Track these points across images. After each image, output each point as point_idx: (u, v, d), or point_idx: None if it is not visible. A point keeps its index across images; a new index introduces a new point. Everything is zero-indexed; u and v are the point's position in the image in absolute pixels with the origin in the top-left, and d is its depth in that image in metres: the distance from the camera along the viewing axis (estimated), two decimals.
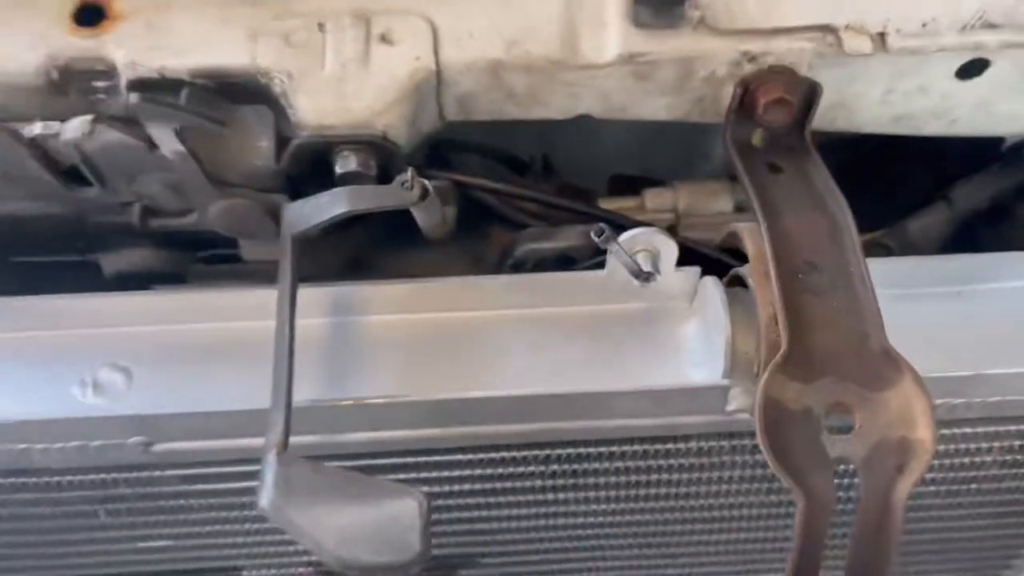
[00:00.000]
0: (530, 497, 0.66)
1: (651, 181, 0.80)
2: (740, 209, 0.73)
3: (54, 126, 0.55)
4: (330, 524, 0.46)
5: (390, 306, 0.63)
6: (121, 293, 0.65)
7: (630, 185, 0.81)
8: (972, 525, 0.73)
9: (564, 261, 0.69)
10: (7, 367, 0.62)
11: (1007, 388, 0.60)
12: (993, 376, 0.59)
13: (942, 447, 0.65)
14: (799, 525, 0.52)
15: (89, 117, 0.54)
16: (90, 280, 0.70)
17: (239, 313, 0.63)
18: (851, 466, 0.52)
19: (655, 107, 0.65)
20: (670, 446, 0.64)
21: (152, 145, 0.55)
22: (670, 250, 0.61)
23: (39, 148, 0.56)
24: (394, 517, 0.46)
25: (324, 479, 0.49)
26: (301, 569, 0.73)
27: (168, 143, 0.54)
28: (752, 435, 0.61)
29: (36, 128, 0.55)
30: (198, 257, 0.70)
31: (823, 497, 0.51)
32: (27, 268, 0.69)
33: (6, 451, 0.59)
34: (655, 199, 0.74)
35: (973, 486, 0.68)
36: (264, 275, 0.66)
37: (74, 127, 0.54)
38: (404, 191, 0.56)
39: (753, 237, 0.57)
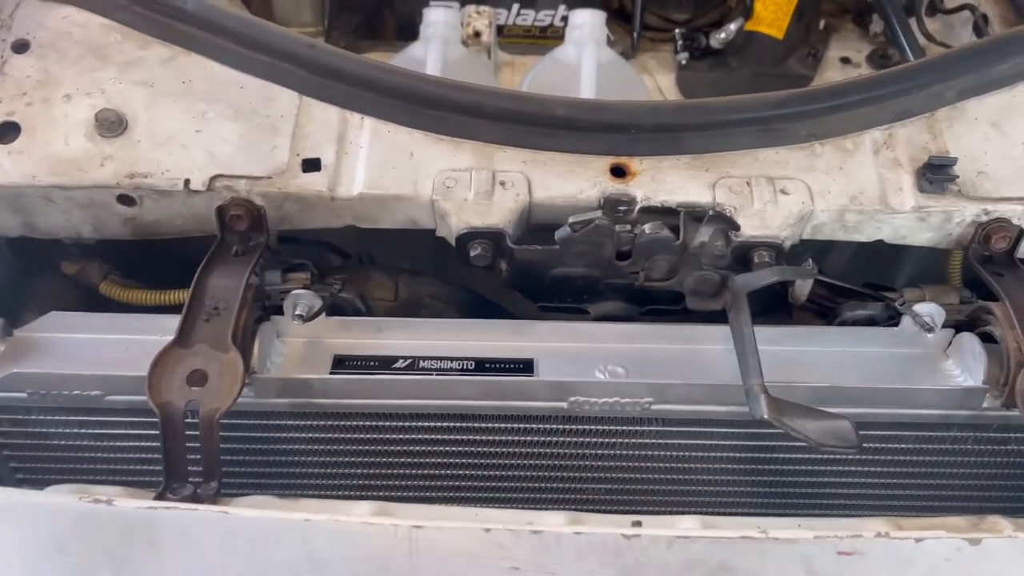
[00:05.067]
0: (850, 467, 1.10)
1: (887, 288, 1.27)
2: (962, 302, 1.18)
3: (626, 226, 1.05)
4: (806, 425, 0.91)
5: (776, 339, 1.09)
6: (611, 323, 1.13)
7: (875, 288, 1.28)
8: None
9: (867, 322, 1.16)
10: (557, 362, 1.08)
11: None
12: None
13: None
14: None
15: (659, 221, 1.04)
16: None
17: (682, 339, 1.10)
18: None
19: (923, 238, 1.14)
20: (941, 433, 1.07)
21: (676, 238, 1.05)
22: (941, 316, 1.08)
23: (615, 237, 1.05)
24: (840, 427, 0.91)
25: (789, 406, 0.93)
26: None
27: (702, 238, 1.03)
28: (991, 428, 1.05)
29: (617, 227, 1.05)
30: (641, 310, 1.18)
31: None
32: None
33: (562, 405, 1.05)
34: (910, 294, 1.19)
35: None
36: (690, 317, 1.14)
37: (649, 227, 1.03)
38: (807, 271, 1.04)
39: (1000, 307, 1.04)
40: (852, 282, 1.23)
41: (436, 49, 1.75)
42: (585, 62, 1.76)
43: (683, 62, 2.00)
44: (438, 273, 1.31)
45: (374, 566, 0.80)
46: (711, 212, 1.05)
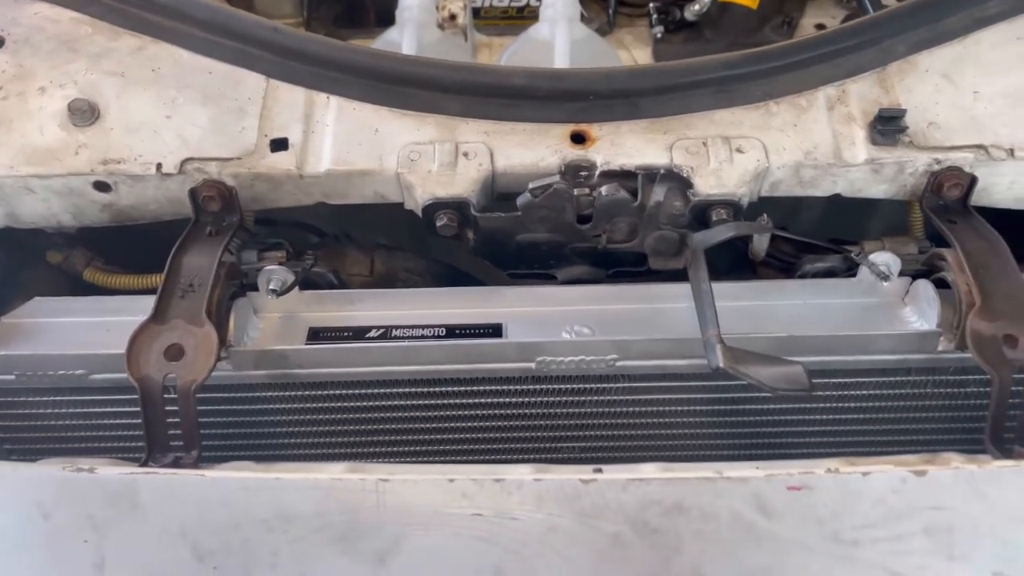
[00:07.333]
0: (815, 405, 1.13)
1: (848, 241, 1.29)
2: (921, 252, 1.21)
3: (585, 190, 1.08)
4: (760, 372, 0.94)
5: (738, 295, 1.12)
6: (578, 286, 1.16)
7: (839, 243, 1.30)
8: None
9: (827, 274, 1.18)
10: (525, 326, 1.11)
11: None
12: None
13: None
14: (995, 395, 0.97)
15: (615, 183, 1.07)
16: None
17: (647, 298, 1.14)
18: (1020, 363, 0.98)
19: (878, 190, 1.16)
20: (900, 378, 1.10)
21: (634, 199, 1.08)
22: (897, 264, 1.11)
23: (574, 201, 1.08)
24: (793, 371, 0.94)
25: (744, 354, 0.96)
26: None
27: (656, 197, 1.06)
28: (949, 371, 1.08)
29: (576, 190, 1.08)
30: (607, 273, 1.21)
31: (1007, 379, 0.97)
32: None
33: (530, 365, 1.08)
34: (870, 246, 1.22)
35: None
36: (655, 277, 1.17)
37: (606, 189, 1.06)
38: (763, 225, 1.07)
39: (951, 252, 1.06)
40: (823, 239, 1.25)
41: (411, 33, 1.77)
42: (558, 39, 1.78)
43: (658, 35, 2.01)
44: (415, 248, 1.34)
45: (343, 518, 0.83)
46: (661, 171, 1.08)
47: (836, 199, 1.19)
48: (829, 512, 0.83)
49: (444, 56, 1.76)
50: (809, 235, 1.29)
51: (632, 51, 2.07)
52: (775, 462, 0.96)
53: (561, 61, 1.74)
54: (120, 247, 1.30)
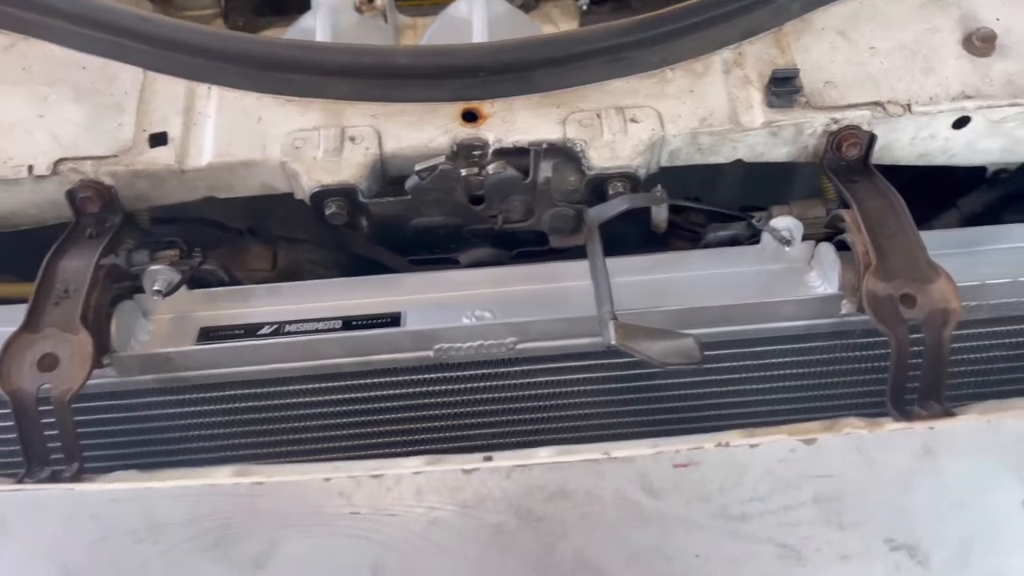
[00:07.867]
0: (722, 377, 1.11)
1: (760, 208, 1.27)
2: (827, 214, 1.19)
3: (474, 169, 1.05)
4: (651, 347, 0.91)
5: (640, 269, 1.10)
6: (480, 269, 1.13)
7: (751, 210, 1.27)
8: None
9: (732, 242, 1.16)
10: (425, 313, 1.07)
11: None
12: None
13: None
14: (894, 356, 0.95)
15: (502, 161, 1.03)
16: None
17: (550, 278, 1.11)
18: (917, 322, 0.96)
19: (780, 153, 1.14)
20: (809, 344, 1.08)
21: (526, 177, 1.04)
22: (799, 229, 1.08)
23: (463, 181, 1.05)
24: (684, 345, 0.91)
25: (636, 330, 0.94)
26: None
27: (545, 173, 1.03)
28: (856, 334, 1.06)
29: (464, 171, 1.05)
30: (511, 254, 1.18)
31: (903, 339, 0.95)
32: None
33: (428, 353, 1.05)
34: (777, 210, 1.19)
35: None
36: (560, 256, 1.14)
37: (493, 167, 1.03)
38: (657, 196, 1.04)
39: (850, 213, 1.04)
40: (737, 208, 1.22)
41: (325, 17, 1.72)
42: (476, 16, 1.73)
43: (584, 7, 1.97)
44: (333, 240, 1.30)
45: (217, 524, 0.80)
46: (545, 145, 1.05)
47: (753, 167, 1.17)
48: (716, 487, 0.81)
49: (363, 40, 1.73)
50: (728, 205, 1.26)
51: (560, 25, 2.02)
52: (670, 439, 0.94)
53: (479, 38, 1.70)
54: (11, 255, 1.25)
